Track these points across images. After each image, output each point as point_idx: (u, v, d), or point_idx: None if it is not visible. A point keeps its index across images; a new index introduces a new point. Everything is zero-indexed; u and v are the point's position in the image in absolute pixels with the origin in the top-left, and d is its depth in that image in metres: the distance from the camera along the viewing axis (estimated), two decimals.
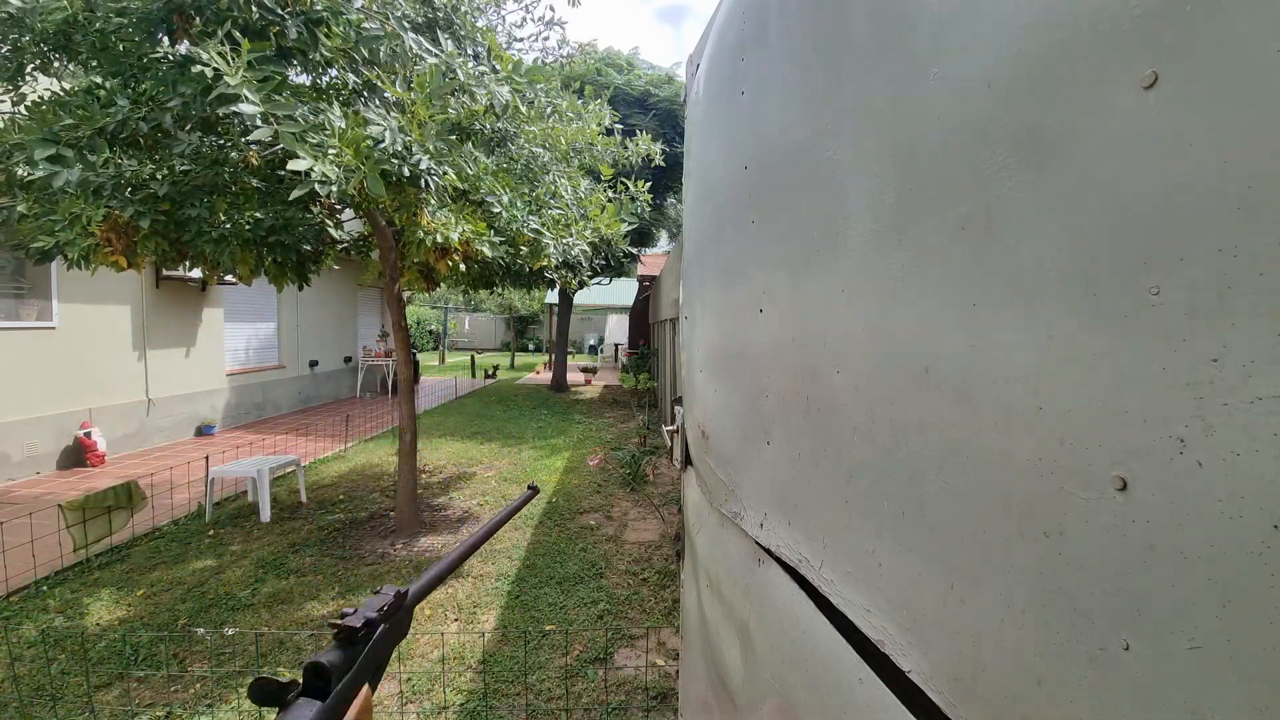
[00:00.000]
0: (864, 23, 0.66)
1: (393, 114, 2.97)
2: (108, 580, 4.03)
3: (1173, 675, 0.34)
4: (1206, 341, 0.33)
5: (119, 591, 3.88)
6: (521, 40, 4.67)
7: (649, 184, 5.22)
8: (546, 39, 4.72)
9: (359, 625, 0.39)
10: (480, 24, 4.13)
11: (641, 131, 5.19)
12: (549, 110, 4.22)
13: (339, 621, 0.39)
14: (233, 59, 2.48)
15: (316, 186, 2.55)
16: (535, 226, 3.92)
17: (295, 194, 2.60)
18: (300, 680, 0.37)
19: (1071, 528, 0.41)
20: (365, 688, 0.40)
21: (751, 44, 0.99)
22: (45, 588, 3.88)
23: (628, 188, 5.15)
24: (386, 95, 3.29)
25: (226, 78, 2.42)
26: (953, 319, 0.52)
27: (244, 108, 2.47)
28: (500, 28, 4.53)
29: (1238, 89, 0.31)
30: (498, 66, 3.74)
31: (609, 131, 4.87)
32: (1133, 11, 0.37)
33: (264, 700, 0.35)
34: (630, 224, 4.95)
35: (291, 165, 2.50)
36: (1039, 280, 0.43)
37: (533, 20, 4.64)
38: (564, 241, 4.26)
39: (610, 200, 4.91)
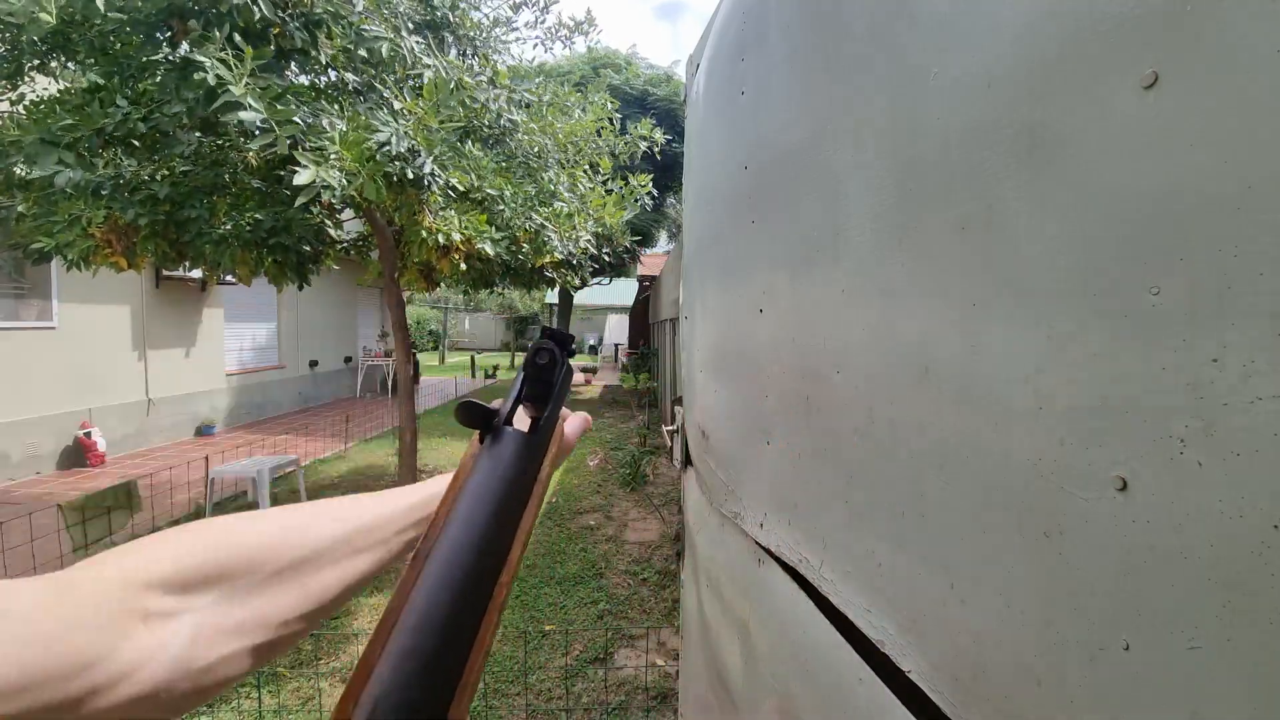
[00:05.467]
0: (864, 23, 0.66)
1: (400, 120, 2.97)
2: None
3: (1173, 675, 0.34)
4: (1206, 341, 0.33)
5: None
6: (519, 29, 4.63)
7: (650, 175, 5.19)
8: (543, 21, 4.66)
9: (554, 358, 0.37)
10: (477, 17, 4.12)
11: (643, 121, 5.16)
12: (546, 100, 4.21)
13: (542, 341, 0.38)
14: (235, 66, 2.48)
15: (320, 191, 2.56)
16: (539, 221, 3.91)
17: (300, 201, 2.60)
18: (500, 409, 0.36)
19: (1071, 528, 0.41)
20: (561, 423, 0.39)
21: (751, 44, 0.99)
22: None
23: (628, 180, 5.12)
24: (390, 99, 3.29)
25: (231, 86, 2.43)
26: (953, 319, 0.52)
27: (246, 115, 2.47)
28: (499, 28, 4.52)
29: (1238, 89, 0.31)
30: (494, 77, 3.74)
31: (612, 121, 4.85)
32: (1133, 11, 0.37)
33: (471, 423, 0.34)
34: (633, 213, 4.92)
35: (298, 179, 2.50)
36: (1039, 280, 0.43)
37: (529, 7, 4.58)
38: (569, 235, 4.25)
39: (611, 193, 4.90)
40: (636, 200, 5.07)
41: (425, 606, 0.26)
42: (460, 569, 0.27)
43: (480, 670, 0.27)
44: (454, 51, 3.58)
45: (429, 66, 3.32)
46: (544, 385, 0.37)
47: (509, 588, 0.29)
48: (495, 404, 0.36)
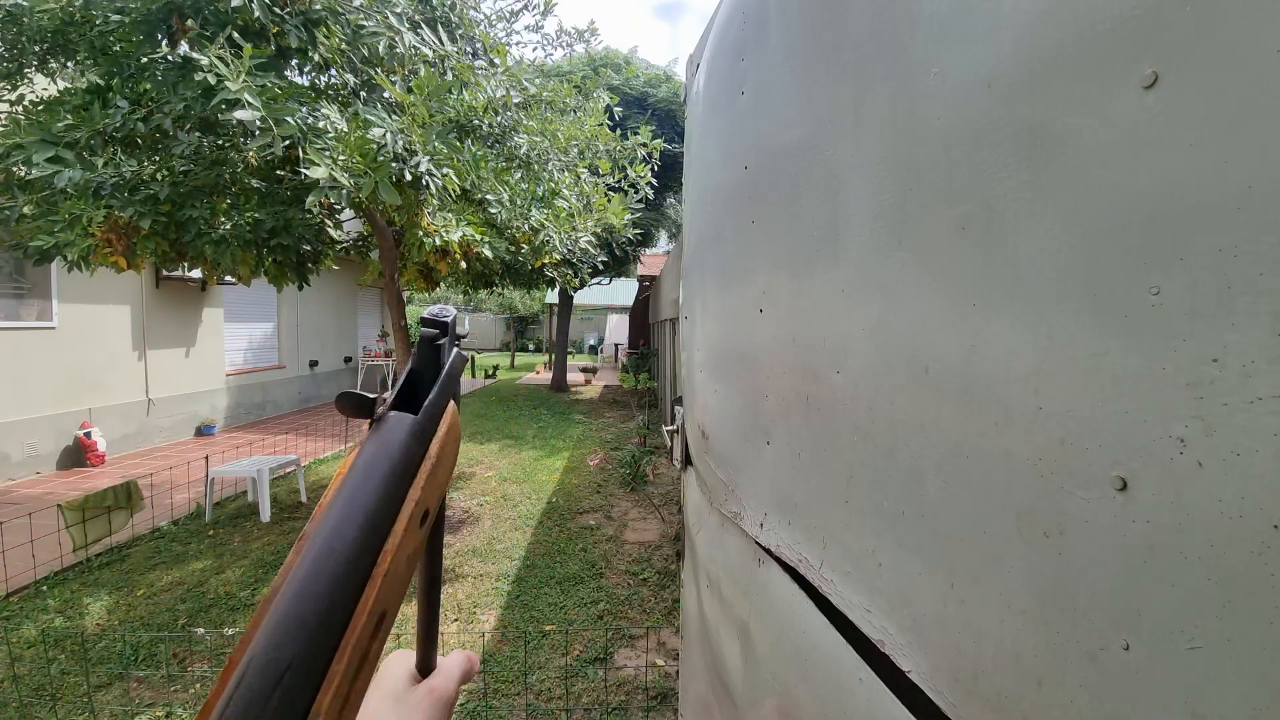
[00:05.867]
0: (864, 23, 0.66)
1: (394, 116, 2.97)
2: (108, 580, 4.03)
3: (1173, 675, 0.34)
4: (1206, 341, 0.33)
5: (119, 591, 3.88)
6: (519, 32, 4.65)
7: (649, 166, 5.15)
8: (541, 26, 4.65)
9: (440, 332, 0.37)
10: (476, 16, 4.13)
11: (643, 127, 5.15)
12: (544, 98, 4.20)
13: (427, 320, 0.37)
14: (234, 63, 2.48)
15: (328, 192, 2.56)
16: (539, 220, 3.90)
17: (310, 200, 2.60)
18: (386, 395, 0.36)
19: (1071, 528, 0.41)
20: (452, 403, 0.38)
21: (751, 44, 0.99)
22: (45, 588, 3.88)
23: (627, 173, 5.09)
24: (386, 95, 3.29)
25: (228, 83, 2.42)
26: (953, 319, 0.52)
27: (244, 113, 2.46)
28: (499, 25, 4.53)
29: (1238, 89, 0.31)
30: (496, 60, 3.74)
31: (612, 126, 4.83)
32: (1133, 11, 0.37)
33: (354, 412, 0.33)
34: (634, 215, 4.90)
35: (311, 173, 2.50)
36: (1039, 280, 0.43)
37: (529, 10, 4.58)
38: (570, 235, 4.25)
39: (611, 193, 4.89)
40: (637, 192, 5.05)
41: (304, 577, 0.26)
42: (341, 541, 0.27)
43: (369, 633, 0.27)
44: (451, 48, 3.58)
45: (426, 61, 3.32)
46: (433, 355, 0.37)
47: (395, 555, 0.29)
48: (383, 395, 0.36)
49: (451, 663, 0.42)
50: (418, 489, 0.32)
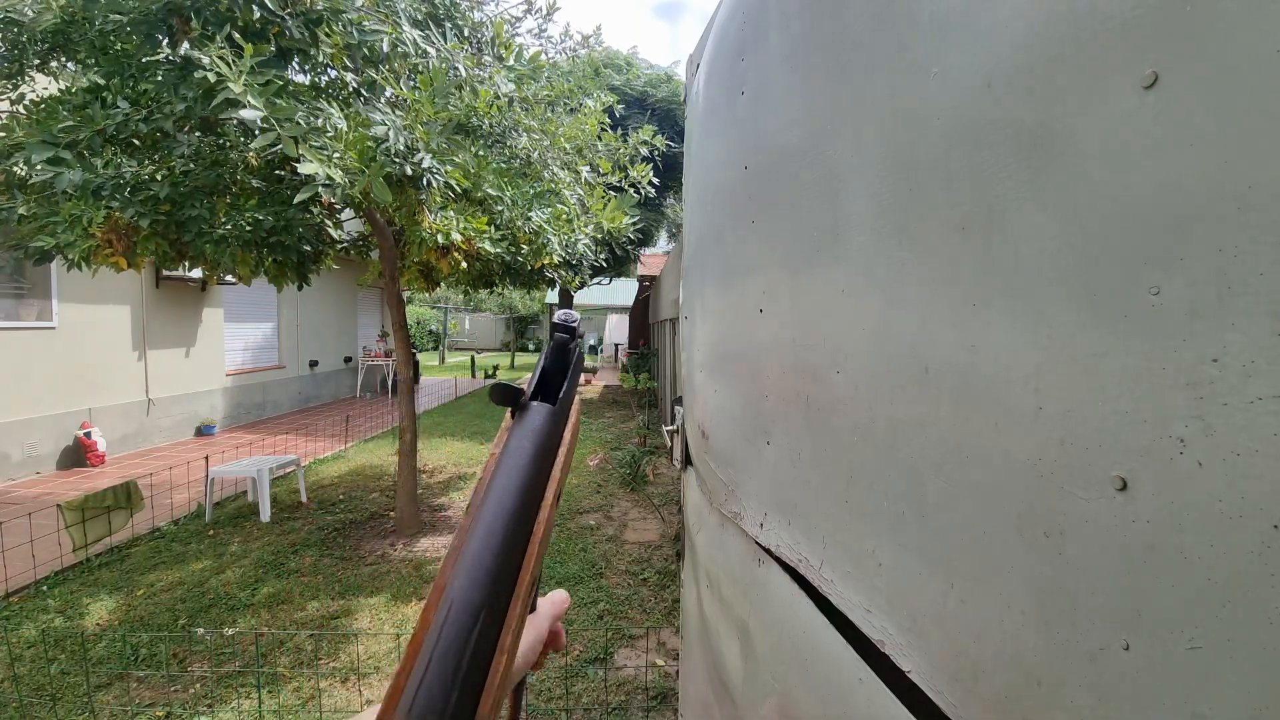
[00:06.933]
0: (864, 23, 0.66)
1: (396, 112, 2.97)
2: (108, 580, 4.03)
3: (1173, 675, 0.34)
4: (1206, 341, 0.33)
5: (119, 591, 3.88)
6: (521, 34, 4.66)
7: (649, 165, 5.12)
8: (545, 30, 4.67)
9: (572, 331, 0.44)
10: (479, 17, 4.13)
11: (644, 127, 5.14)
12: (543, 97, 4.20)
13: (559, 325, 0.44)
14: (234, 63, 2.48)
15: (321, 190, 2.55)
16: (539, 222, 3.90)
17: (300, 197, 2.59)
18: (526, 389, 0.43)
19: (1071, 528, 0.41)
20: (577, 396, 0.45)
21: (751, 44, 0.99)
22: (45, 588, 3.88)
23: (627, 173, 5.07)
24: (389, 93, 3.28)
25: (230, 84, 2.42)
26: (953, 319, 0.52)
27: (246, 113, 2.46)
28: (504, 24, 4.53)
29: (1238, 89, 0.31)
30: (502, 54, 3.73)
31: (612, 126, 4.82)
32: (1133, 11, 0.37)
33: (503, 401, 0.40)
34: (633, 218, 4.88)
35: (302, 169, 2.49)
36: (1039, 280, 0.43)
37: (532, 14, 4.61)
38: (568, 237, 4.24)
39: (611, 194, 4.87)
40: (638, 193, 5.03)
41: (485, 534, 0.32)
42: (510, 509, 0.34)
43: (535, 578, 0.34)
44: (453, 40, 3.58)
45: (426, 55, 3.32)
46: (564, 355, 0.44)
47: (546, 523, 0.36)
48: (520, 383, 0.42)
49: (546, 601, 0.49)
50: (558, 468, 0.38)
